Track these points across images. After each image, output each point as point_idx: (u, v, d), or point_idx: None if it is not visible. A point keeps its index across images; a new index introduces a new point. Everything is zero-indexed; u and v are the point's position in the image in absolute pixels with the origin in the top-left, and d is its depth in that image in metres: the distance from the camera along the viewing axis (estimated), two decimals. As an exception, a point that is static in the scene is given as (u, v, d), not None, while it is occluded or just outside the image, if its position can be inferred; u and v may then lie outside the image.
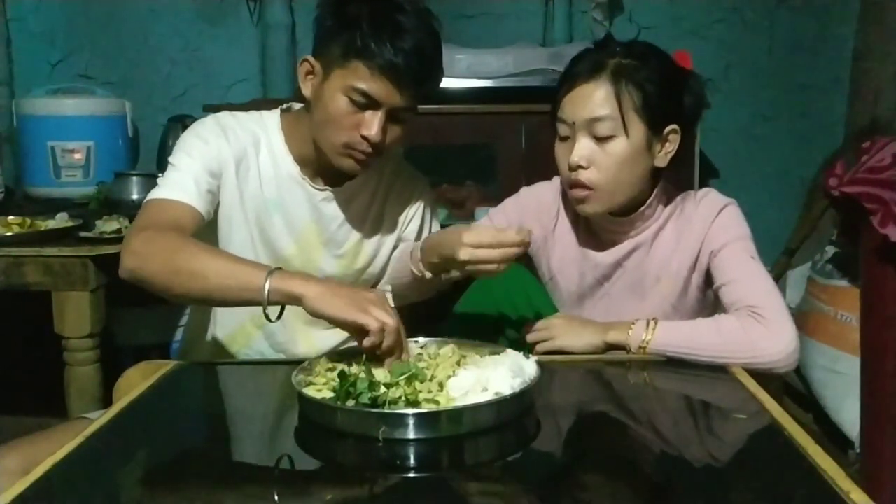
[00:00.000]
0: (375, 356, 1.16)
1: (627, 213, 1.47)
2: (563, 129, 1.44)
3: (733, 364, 1.31)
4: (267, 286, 1.18)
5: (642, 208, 1.47)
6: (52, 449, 1.01)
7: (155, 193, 1.39)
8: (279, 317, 1.23)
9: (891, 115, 2.70)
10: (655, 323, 1.36)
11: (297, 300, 1.18)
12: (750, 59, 3.00)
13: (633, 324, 1.37)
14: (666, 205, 1.50)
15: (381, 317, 1.14)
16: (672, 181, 1.56)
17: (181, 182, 1.39)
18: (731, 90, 3.00)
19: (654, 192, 1.47)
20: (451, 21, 2.90)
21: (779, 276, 2.81)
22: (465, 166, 2.75)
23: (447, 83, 2.46)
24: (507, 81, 2.47)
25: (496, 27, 2.97)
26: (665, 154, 1.44)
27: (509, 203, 1.63)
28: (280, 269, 1.23)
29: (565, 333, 1.41)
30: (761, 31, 2.99)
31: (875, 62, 2.76)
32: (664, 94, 1.40)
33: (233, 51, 3.00)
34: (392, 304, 1.22)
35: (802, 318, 2.47)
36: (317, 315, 1.17)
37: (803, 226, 2.82)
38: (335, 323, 1.17)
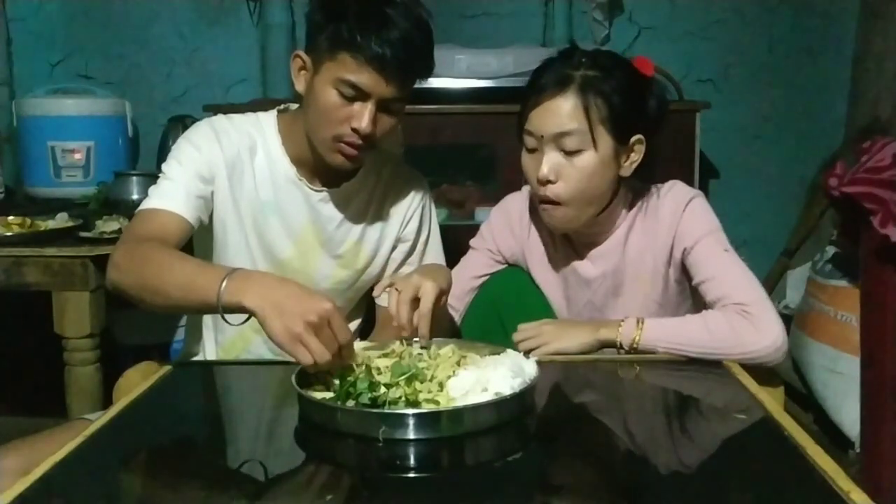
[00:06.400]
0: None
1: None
2: (530, 142, 1.44)
3: (723, 360, 1.33)
4: (221, 300, 1.14)
5: (604, 213, 1.47)
6: (52, 449, 1.00)
7: (144, 204, 1.41)
8: (245, 321, 1.19)
9: (891, 115, 2.69)
10: (643, 321, 1.37)
11: (248, 313, 1.14)
12: (750, 59, 3.00)
13: (622, 322, 1.39)
14: (630, 205, 1.51)
15: (313, 349, 1.07)
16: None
17: (169, 191, 1.40)
18: (731, 90, 3.00)
19: (617, 197, 1.48)
20: (451, 21, 2.91)
21: (779, 276, 2.82)
22: (465, 166, 2.74)
23: (447, 83, 2.49)
24: (507, 81, 2.47)
25: (496, 27, 2.97)
26: (630, 164, 1.45)
27: (484, 229, 1.65)
28: (238, 270, 1.17)
29: (558, 337, 1.41)
30: (761, 31, 2.99)
31: (875, 62, 2.76)
32: (630, 105, 1.41)
33: (233, 51, 3.00)
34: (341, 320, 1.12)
35: (802, 318, 2.47)
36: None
37: (803, 226, 2.82)
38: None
